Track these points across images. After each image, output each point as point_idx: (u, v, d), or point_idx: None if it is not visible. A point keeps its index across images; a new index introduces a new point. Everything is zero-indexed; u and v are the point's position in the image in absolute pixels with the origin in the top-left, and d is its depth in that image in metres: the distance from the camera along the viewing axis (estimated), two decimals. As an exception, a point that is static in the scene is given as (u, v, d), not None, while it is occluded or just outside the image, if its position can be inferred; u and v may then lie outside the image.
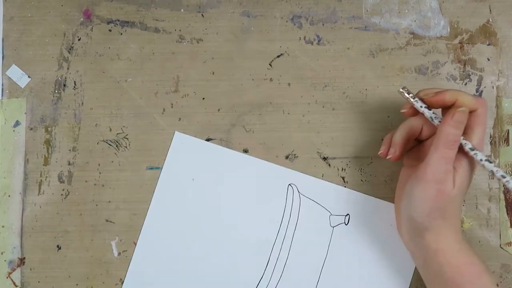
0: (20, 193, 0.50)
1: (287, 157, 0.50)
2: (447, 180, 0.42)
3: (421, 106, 0.43)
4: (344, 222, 0.49)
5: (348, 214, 0.49)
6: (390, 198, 0.49)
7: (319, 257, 0.49)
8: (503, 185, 0.49)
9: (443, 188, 0.42)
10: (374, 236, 0.49)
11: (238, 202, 0.50)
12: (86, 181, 0.50)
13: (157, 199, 0.50)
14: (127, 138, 0.51)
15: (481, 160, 0.42)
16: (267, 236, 0.49)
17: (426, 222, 0.42)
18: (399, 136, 0.45)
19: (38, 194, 0.50)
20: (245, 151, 0.50)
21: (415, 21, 0.51)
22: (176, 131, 0.50)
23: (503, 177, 0.42)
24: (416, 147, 0.47)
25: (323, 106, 0.51)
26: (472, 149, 0.42)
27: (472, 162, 0.43)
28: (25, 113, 0.51)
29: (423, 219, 0.42)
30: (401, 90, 0.44)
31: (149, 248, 0.49)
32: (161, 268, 0.49)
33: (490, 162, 0.42)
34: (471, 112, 0.42)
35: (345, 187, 0.50)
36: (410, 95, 0.44)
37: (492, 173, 0.42)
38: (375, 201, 0.50)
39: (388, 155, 0.46)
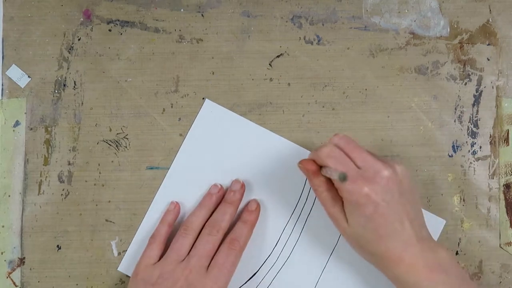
0: (20, 193, 0.50)
1: (287, 157, 0.50)
2: (338, 219, 0.43)
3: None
4: None
5: None
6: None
7: (326, 248, 0.49)
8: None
9: (340, 228, 0.44)
10: None
11: (257, 178, 0.50)
12: (86, 181, 0.50)
13: (178, 163, 0.50)
14: (127, 138, 0.51)
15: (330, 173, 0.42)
16: (280, 217, 0.49)
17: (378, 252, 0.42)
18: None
19: (38, 194, 0.50)
20: (245, 151, 0.50)
21: (415, 21, 0.51)
22: (207, 99, 0.50)
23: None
24: None
25: (323, 106, 0.51)
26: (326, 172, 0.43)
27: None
28: (25, 113, 0.51)
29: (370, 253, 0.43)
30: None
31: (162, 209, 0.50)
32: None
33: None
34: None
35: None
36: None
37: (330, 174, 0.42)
38: None
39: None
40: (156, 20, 0.51)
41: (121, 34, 0.51)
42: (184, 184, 0.50)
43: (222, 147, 0.50)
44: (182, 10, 0.51)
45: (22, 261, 0.50)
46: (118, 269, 0.49)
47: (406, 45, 0.51)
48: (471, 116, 0.50)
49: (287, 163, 0.50)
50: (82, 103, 0.51)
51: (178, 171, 0.50)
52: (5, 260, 0.50)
